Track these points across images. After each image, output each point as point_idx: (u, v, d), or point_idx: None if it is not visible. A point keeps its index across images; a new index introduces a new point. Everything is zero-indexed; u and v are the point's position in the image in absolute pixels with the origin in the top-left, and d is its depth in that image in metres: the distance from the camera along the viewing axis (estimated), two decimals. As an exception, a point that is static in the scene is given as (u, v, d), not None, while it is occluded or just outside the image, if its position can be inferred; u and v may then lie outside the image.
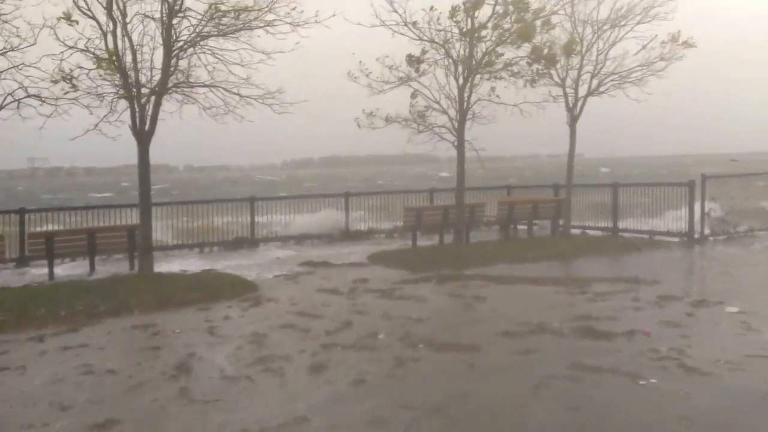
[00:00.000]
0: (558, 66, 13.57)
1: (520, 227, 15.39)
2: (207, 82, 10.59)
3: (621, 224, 14.80)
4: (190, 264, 12.03)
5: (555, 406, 4.75)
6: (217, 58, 10.49)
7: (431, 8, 12.39)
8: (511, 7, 12.48)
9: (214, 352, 6.37)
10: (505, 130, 14.78)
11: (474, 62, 12.67)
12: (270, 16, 10.33)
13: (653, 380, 5.19)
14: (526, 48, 12.93)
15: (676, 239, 13.46)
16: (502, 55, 12.88)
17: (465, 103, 12.87)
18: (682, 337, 6.39)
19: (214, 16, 10.22)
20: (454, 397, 4.99)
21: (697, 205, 13.62)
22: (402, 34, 12.56)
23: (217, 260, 12.45)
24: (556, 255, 11.72)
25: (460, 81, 12.82)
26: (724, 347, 6.02)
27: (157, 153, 10.73)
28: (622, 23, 13.37)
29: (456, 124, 12.98)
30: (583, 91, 13.89)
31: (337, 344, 6.41)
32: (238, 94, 10.63)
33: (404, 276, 10.08)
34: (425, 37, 12.65)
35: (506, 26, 12.58)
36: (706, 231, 13.62)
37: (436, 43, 12.69)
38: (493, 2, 12.46)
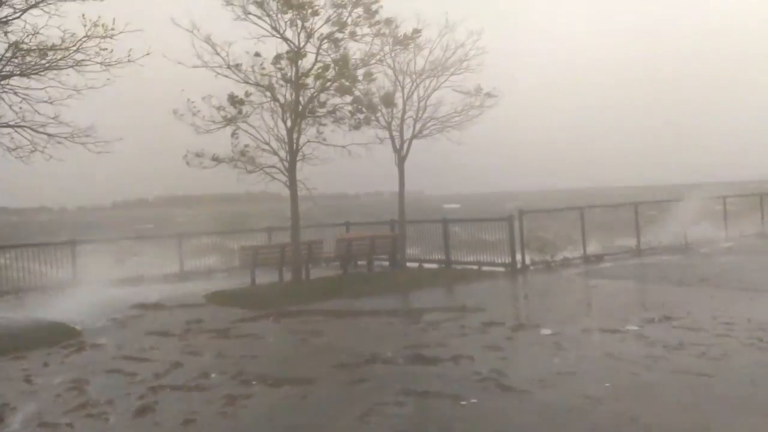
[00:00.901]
0: (379, 114, 14.50)
1: (361, 263, 15.76)
2: (11, 122, 9.89)
3: (453, 257, 15.69)
4: (5, 312, 10.98)
5: (382, 431, 4.90)
6: (21, 97, 9.89)
7: (255, 54, 12.55)
8: (331, 62, 13.01)
9: (30, 401, 5.96)
10: (347, 169, 15.22)
11: (300, 107, 12.95)
12: (79, 56, 9.93)
13: (474, 400, 5.54)
14: (349, 97, 13.55)
15: (502, 269, 14.47)
16: (326, 101, 13.35)
17: (294, 145, 13.08)
18: (501, 359, 6.88)
19: (16, 56, 9.64)
20: (285, 428, 5.01)
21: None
22: (225, 76, 12.60)
23: (36, 307, 11.44)
24: (391, 288, 12.15)
25: (288, 124, 13.04)
26: (538, 366, 6.57)
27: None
28: (439, 74, 14.68)
29: (287, 165, 13.11)
30: (407, 134, 15.04)
31: (165, 386, 6.18)
32: (45, 134, 10.02)
33: (241, 314, 9.91)
34: (250, 81, 12.75)
35: (329, 77, 13.07)
36: (527, 261, 14.80)
37: (261, 86, 12.82)
38: (316, 51, 12.91)
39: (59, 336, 8.68)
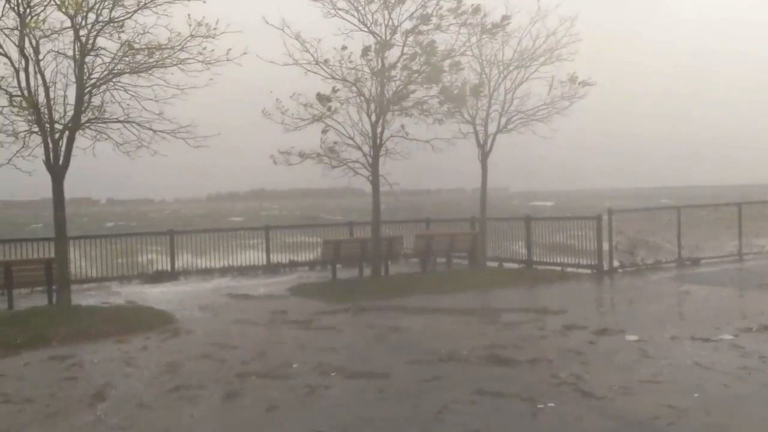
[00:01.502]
0: (467, 105, 14.20)
1: (440, 260, 15.72)
2: (120, 118, 10.51)
3: (536, 257, 15.35)
4: (109, 297, 11.78)
5: (455, 429, 4.89)
6: (130, 94, 10.47)
7: (343, 47, 12.73)
8: (419, 50, 12.97)
9: (130, 382, 6.39)
10: (429, 165, 15.22)
11: (385, 100, 13.00)
12: (183, 55, 10.39)
13: (551, 404, 5.42)
14: (435, 87, 13.43)
15: (587, 271, 14.03)
16: (414, 92, 13.31)
17: (378, 139, 13.15)
18: (582, 363, 6.69)
19: (127, 54, 10.21)
20: (361, 420, 5.13)
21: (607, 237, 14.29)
22: (315, 72, 12.79)
23: (136, 293, 12.19)
24: (470, 287, 12.02)
25: (373, 118, 13.12)
26: (621, 373, 6.34)
27: (78, 186, 10.58)
28: (527, 64, 14.16)
29: (370, 160, 13.24)
30: (492, 128, 14.61)
31: (251, 373, 6.47)
32: (151, 129, 10.58)
33: (322, 307, 10.13)
34: (337, 76, 12.88)
35: (415, 68, 13.04)
36: (615, 263, 14.27)
37: (348, 81, 12.95)
38: (402, 44, 12.92)
39: (157, 321, 9.18)
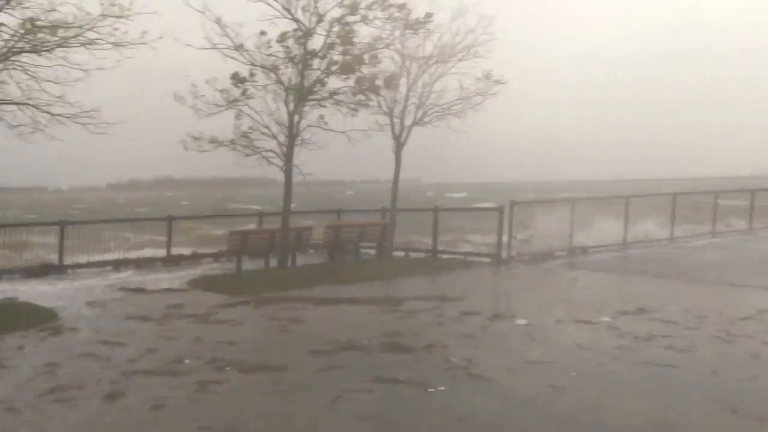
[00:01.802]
0: (380, 97, 14.36)
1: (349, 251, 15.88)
2: (16, 99, 9.90)
3: (441, 246, 15.79)
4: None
5: (348, 417, 5.02)
6: (30, 74, 9.86)
7: (261, 32, 12.56)
8: (338, 41, 12.98)
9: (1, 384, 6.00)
10: (345, 155, 15.26)
11: (304, 89, 12.96)
12: (92, 35, 9.90)
13: (441, 387, 5.66)
14: (351, 78, 13.50)
15: (487, 260, 14.58)
16: (326, 84, 13.33)
17: (294, 129, 13.10)
18: (474, 348, 7.00)
19: (29, 32, 9.61)
20: (253, 415, 5.12)
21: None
22: (233, 58, 12.58)
23: (16, 288, 11.51)
24: (375, 277, 12.23)
25: (290, 107, 13.05)
26: (508, 355, 6.69)
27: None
28: (446, 60, 14.51)
29: (285, 149, 13.17)
30: (408, 120, 14.87)
31: (138, 372, 6.24)
32: (48, 113, 10.04)
33: (222, 300, 9.98)
34: (256, 62, 12.72)
35: (335, 57, 13.05)
36: (513, 252, 14.90)
37: (266, 67, 12.82)
38: (326, 33, 12.90)
39: (36, 318, 8.66)
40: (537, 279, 12.34)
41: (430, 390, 5.60)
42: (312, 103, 13.27)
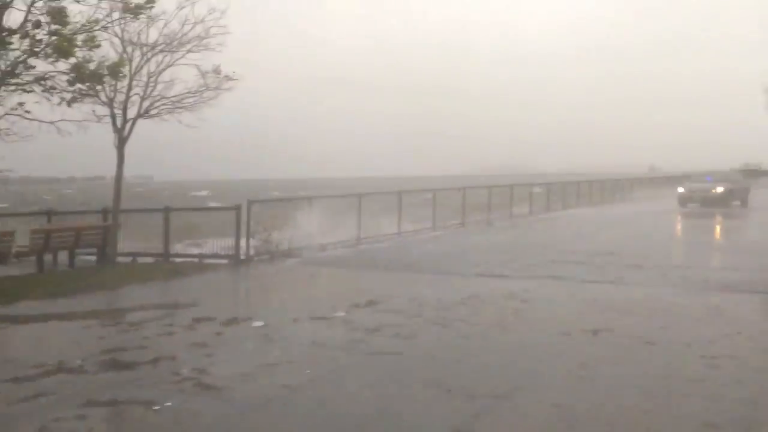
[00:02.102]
0: (103, 86, 13.03)
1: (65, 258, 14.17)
2: None
3: (175, 249, 14.93)
4: None
5: (54, 452, 4.37)
6: None
7: None
8: (43, 18, 11.44)
9: None
10: (60, 149, 13.57)
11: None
12: None
13: (168, 403, 5.23)
14: (65, 63, 12.01)
15: (225, 261, 14.16)
16: (34, 67, 11.73)
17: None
18: (206, 356, 6.64)
19: None
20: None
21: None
22: None
23: None
24: (95, 286, 11.05)
25: (-16, 92, 11.19)
26: (243, 360, 6.47)
27: None
28: (174, 49, 13.61)
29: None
30: (132, 113, 13.64)
31: None
32: None
33: None
34: None
35: (40, 37, 11.48)
36: (251, 252, 14.68)
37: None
38: (26, 8, 11.26)
39: None
40: (275, 278, 12.30)
41: (155, 408, 5.13)
42: (13, 87, 11.55)
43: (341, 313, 8.44)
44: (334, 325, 7.84)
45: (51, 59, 11.78)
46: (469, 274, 11.55)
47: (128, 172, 14.35)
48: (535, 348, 6.65)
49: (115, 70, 12.95)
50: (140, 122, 13.95)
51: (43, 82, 11.87)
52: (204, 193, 76.35)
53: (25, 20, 11.29)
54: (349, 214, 17.99)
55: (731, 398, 5.07)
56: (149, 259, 14.62)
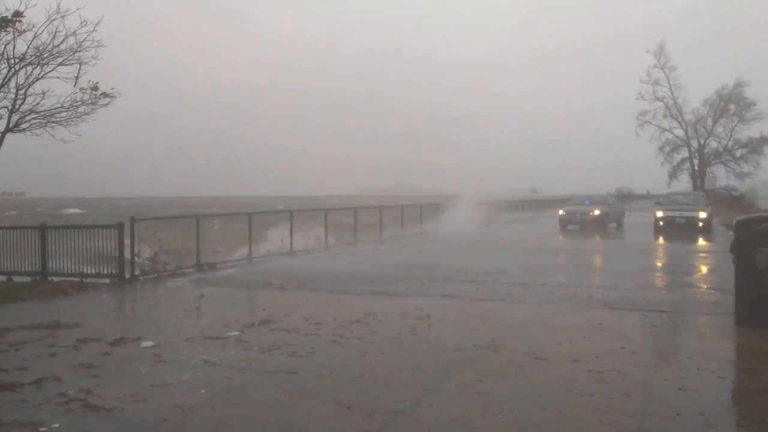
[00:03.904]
0: None
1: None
2: None
3: (53, 268, 14.14)
4: None
5: (-73, 481, 4.08)
6: None
7: None
8: None
9: None
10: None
11: None
12: None
13: (55, 425, 5.02)
14: None
15: (108, 281, 13.58)
16: None
17: None
18: (94, 377, 6.40)
19: None
20: None
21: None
22: None
23: None
24: (-34, 306, 10.30)
25: None
26: (133, 381, 6.28)
27: None
28: (45, 62, 13.08)
29: None
30: (1, 126, 12.98)
31: None
32: None
33: None
34: None
35: None
36: (137, 271, 14.16)
37: None
38: None
39: None
40: (165, 298, 11.93)
41: (42, 430, 4.91)
42: None
43: (235, 333, 8.38)
44: (228, 345, 7.75)
45: None
46: (363, 292, 11.74)
47: (-1, 186, 13.51)
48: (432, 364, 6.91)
49: None
50: (11, 136, 13.30)
51: None
52: (76, 210, 72.33)
53: None
54: (240, 233, 17.81)
55: (619, 410, 5.43)
56: (26, 278, 13.76)
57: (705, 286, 12.58)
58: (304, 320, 9.13)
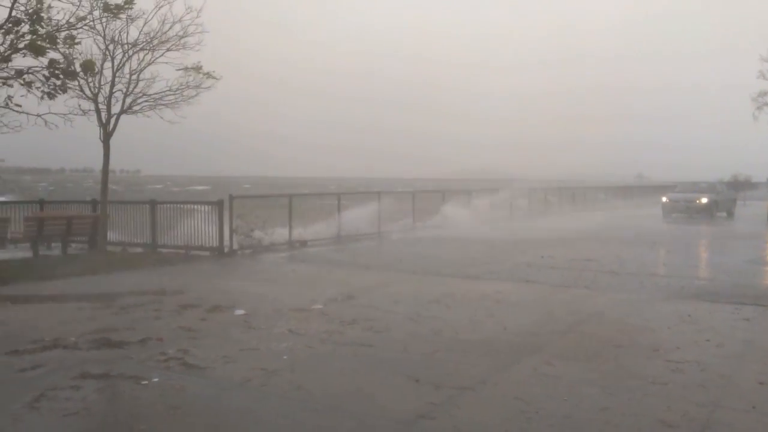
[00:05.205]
0: (80, 82, 13.39)
1: (56, 245, 14.60)
2: None
3: (161, 240, 15.34)
4: None
5: (52, 415, 4.82)
6: None
7: None
8: (24, 16, 11.77)
9: None
10: (50, 141, 13.95)
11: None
12: None
13: (155, 379, 5.69)
14: (43, 59, 12.34)
15: (208, 253, 14.60)
16: (11, 61, 12.05)
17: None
18: (191, 339, 7.10)
19: None
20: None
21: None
22: None
23: None
24: (87, 272, 11.50)
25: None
26: (225, 344, 6.93)
27: None
28: (155, 48, 14.01)
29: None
30: (116, 108, 14.06)
31: None
32: None
33: None
34: None
35: (22, 32, 11.81)
36: (235, 246, 15.13)
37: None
38: (10, 5, 11.59)
39: None
40: (257, 271, 12.74)
41: (143, 382, 5.60)
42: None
43: (319, 306, 8.94)
44: (312, 317, 8.29)
45: (32, 55, 12.09)
46: (446, 274, 12.02)
47: (116, 165, 14.73)
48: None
49: (88, 66, 13.33)
50: (125, 118, 14.39)
51: (24, 77, 12.15)
52: (204, 187, 76.72)
53: (9, 16, 11.60)
54: (328, 212, 18.49)
55: (691, 400, 5.51)
56: (138, 249, 15.04)
57: (806, 282, 11.94)
58: (384, 298, 9.56)
